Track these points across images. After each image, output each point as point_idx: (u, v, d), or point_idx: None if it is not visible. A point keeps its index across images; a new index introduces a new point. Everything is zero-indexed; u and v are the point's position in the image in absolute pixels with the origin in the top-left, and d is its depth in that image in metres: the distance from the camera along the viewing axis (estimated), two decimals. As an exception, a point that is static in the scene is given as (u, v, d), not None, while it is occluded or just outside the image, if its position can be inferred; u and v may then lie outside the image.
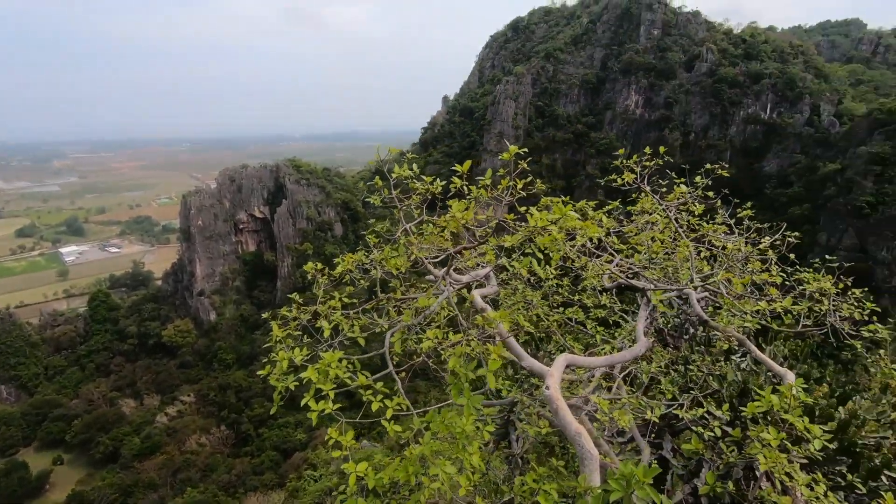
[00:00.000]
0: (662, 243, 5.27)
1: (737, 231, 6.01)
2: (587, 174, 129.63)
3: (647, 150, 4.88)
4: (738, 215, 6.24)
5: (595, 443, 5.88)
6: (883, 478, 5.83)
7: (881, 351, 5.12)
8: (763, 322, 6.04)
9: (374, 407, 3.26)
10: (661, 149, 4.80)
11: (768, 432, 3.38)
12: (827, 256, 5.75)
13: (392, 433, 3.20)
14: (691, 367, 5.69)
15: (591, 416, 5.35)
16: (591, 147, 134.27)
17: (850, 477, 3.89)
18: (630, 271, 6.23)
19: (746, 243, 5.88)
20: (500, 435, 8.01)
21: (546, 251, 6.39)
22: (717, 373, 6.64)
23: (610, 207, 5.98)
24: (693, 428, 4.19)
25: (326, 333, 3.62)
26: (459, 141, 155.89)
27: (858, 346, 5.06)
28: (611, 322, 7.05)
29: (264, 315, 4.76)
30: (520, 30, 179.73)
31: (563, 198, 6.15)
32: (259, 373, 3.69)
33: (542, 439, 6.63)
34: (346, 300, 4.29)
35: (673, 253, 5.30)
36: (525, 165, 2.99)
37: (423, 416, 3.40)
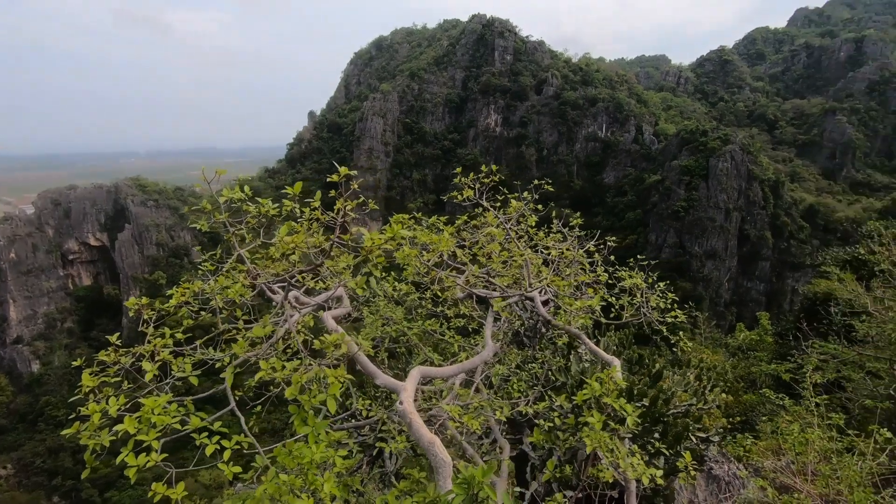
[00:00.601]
0: (501, 253, 5.70)
1: (570, 237, 6.75)
2: (454, 187, 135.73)
3: (484, 168, 5.26)
4: (571, 223, 7.03)
5: (460, 448, 6.10)
6: (692, 437, 6.97)
7: (681, 332, 6.13)
8: (599, 317, 6.88)
9: (209, 450, 2.99)
10: (494, 167, 5.22)
11: (593, 416, 3.83)
12: (640, 256, 6.73)
13: (229, 475, 2.95)
14: (541, 364, 6.24)
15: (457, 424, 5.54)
16: (458, 162, 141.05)
17: (657, 444, 4.55)
18: (483, 280, 6.65)
19: (578, 248, 6.63)
20: (374, 455, 7.90)
21: (403, 266, 6.54)
22: (565, 367, 7.34)
23: (459, 222, 6.34)
24: (537, 421, 4.57)
25: (149, 377, 3.23)
26: (329, 157, 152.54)
27: (664, 331, 6.00)
28: (470, 330, 7.43)
29: (74, 362, 4.10)
30: (383, 48, 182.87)
31: (417, 215, 6.36)
32: (63, 432, 3.15)
33: (421, 452, 6.69)
34: (179, 336, 3.89)
35: (517, 261, 5.76)
36: (356, 186, 3.01)
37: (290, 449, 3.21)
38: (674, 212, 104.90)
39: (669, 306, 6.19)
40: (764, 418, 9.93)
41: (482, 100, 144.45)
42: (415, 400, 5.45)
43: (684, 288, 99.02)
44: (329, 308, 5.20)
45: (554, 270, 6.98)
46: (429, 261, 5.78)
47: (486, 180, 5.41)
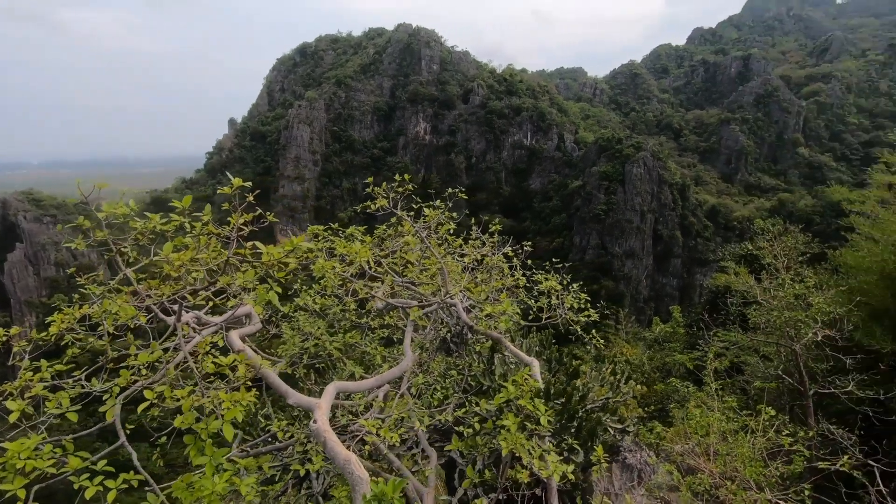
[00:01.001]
0: (422, 261, 5.72)
1: (488, 243, 6.90)
2: (405, 181, 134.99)
3: (397, 177, 5.25)
4: (490, 229, 7.19)
5: (387, 461, 5.99)
6: (609, 429, 7.33)
7: (593, 330, 6.46)
8: (519, 321, 7.08)
9: (89, 493, 2.69)
10: (407, 176, 5.23)
11: (509, 419, 3.91)
12: (555, 260, 7.02)
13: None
14: (460, 371, 6.30)
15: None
16: (389, 171, 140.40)
17: (570, 441, 4.74)
18: (407, 289, 6.61)
19: (497, 253, 6.79)
20: (300, 477, 7.57)
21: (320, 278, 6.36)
22: (489, 370, 7.46)
23: (379, 231, 6.28)
24: (457, 428, 4.59)
25: (14, 417, 2.85)
26: (252, 166, 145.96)
27: (578, 330, 6.30)
28: (395, 340, 7.37)
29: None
30: (308, 55, 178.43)
31: (334, 225, 6.22)
32: None
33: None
34: (60, 367, 3.49)
35: (430, 270, 5.79)
36: (252, 198, 2.86)
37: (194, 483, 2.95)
38: (595, 215, 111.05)
39: (584, 306, 6.49)
40: (673, 406, 10.72)
41: (411, 108, 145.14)
42: (333, 417, 5.28)
43: (608, 286, 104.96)
44: (245, 324, 4.93)
45: (474, 276, 7.11)
46: (348, 272, 5.66)
47: (400, 189, 5.39)
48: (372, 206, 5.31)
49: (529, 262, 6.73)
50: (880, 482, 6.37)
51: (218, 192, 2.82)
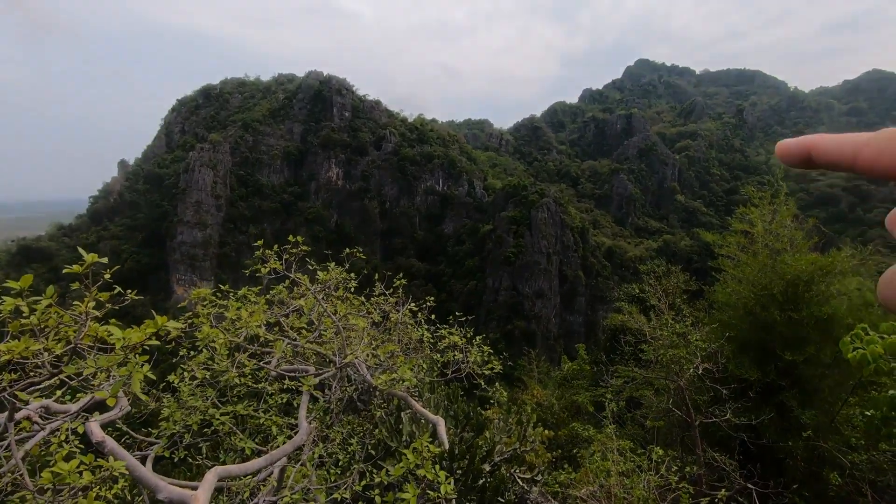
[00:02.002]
0: (323, 321, 5.51)
1: (392, 300, 6.84)
2: (297, 243, 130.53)
3: (291, 238, 5.10)
4: (395, 285, 7.17)
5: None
6: (518, 481, 7.36)
7: (496, 383, 6.57)
8: (424, 377, 7.00)
9: None
10: (300, 238, 5.09)
11: (409, 490, 3.77)
12: (458, 313, 7.13)
13: None
14: (360, 438, 6.04)
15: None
16: (301, 216, 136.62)
17: (473, 505, 4.67)
18: (297, 356, 6.29)
19: (399, 310, 6.75)
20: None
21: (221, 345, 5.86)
22: (396, 428, 7.23)
23: (275, 292, 5.98)
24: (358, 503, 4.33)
25: None
26: (146, 212, 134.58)
27: (482, 383, 6.37)
28: (295, 405, 6.92)
29: None
30: (212, 97, 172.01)
31: (225, 287, 5.82)
32: None
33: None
34: None
35: (327, 333, 5.59)
36: (109, 275, 2.54)
37: None
38: (506, 258, 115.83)
39: (487, 359, 6.59)
40: (578, 450, 11.13)
41: (323, 153, 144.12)
42: (217, 505, 4.75)
43: (520, 326, 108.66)
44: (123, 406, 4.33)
45: (382, 331, 6.98)
46: (241, 335, 5.28)
47: (294, 251, 5.22)
48: (263, 270, 5.06)
49: (433, 316, 6.76)
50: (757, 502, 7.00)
51: (64, 271, 2.49)
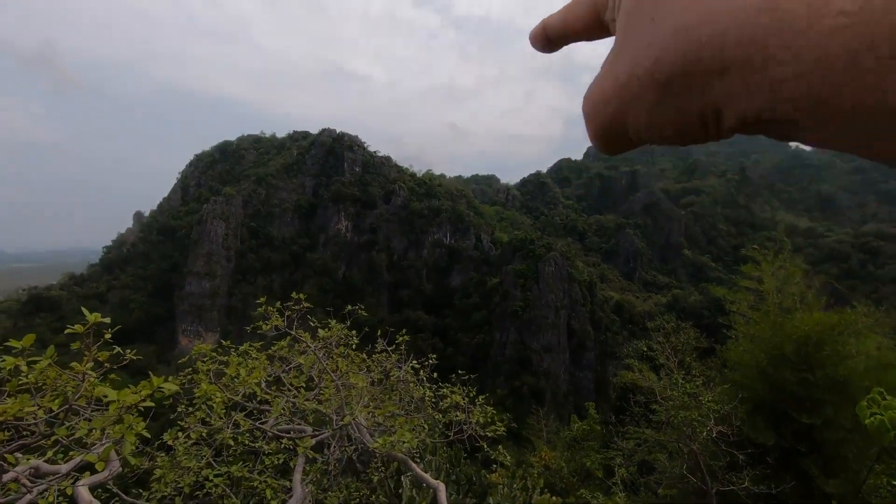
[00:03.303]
0: (323, 378, 5.45)
1: (395, 358, 6.78)
2: (306, 294, 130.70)
3: (294, 294, 5.15)
4: (397, 341, 7.12)
5: None
6: (524, 555, 6.93)
7: (499, 446, 6.35)
8: (426, 438, 6.79)
9: None
10: (303, 295, 5.15)
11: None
12: (461, 371, 7.03)
13: None
14: (366, 498, 5.80)
15: None
16: (309, 267, 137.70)
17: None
18: (302, 411, 6.17)
19: (401, 367, 6.66)
20: None
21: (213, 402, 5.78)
22: (396, 492, 6.94)
23: (277, 348, 5.96)
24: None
25: None
26: (157, 262, 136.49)
27: (485, 446, 6.16)
28: (293, 467, 6.69)
29: None
30: (229, 153, 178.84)
31: (226, 342, 5.83)
32: None
33: None
34: None
35: (327, 392, 5.52)
36: (109, 335, 2.58)
37: None
38: (513, 311, 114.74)
39: (490, 419, 6.42)
40: (588, 518, 10.53)
41: (333, 207, 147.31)
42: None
43: (529, 382, 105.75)
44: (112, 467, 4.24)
45: (383, 389, 6.86)
46: (239, 393, 5.22)
47: (296, 308, 5.26)
48: (264, 326, 5.08)
49: (435, 374, 6.66)
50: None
51: (66, 331, 2.53)
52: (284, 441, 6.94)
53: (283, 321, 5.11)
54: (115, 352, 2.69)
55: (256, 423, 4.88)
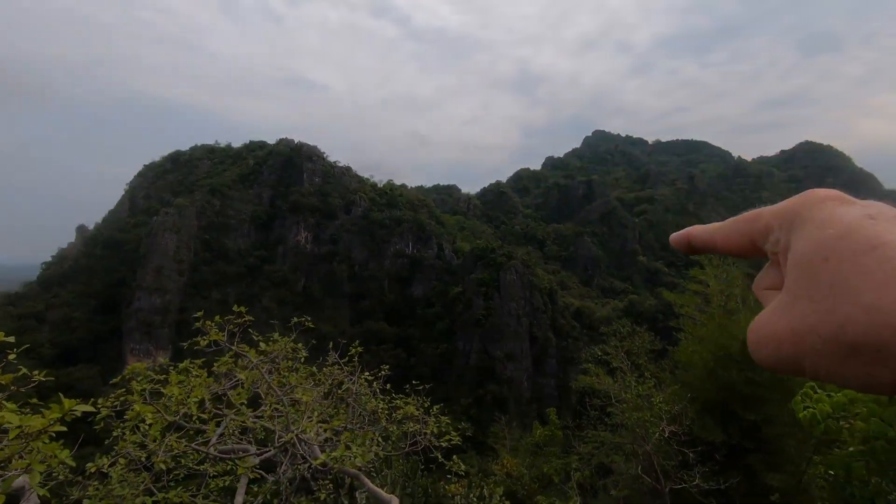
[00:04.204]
0: (267, 397, 5.24)
1: (346, 368, 6.61)
2: (263, 307, 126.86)
3: (236, 307, 4.94)
4: (350, 353, 6.96)
5: None
6: (481, 566, 6.86)
7: (454, 456, 6.30)
8: (379, 451, 6.64)
9: None
10: (243, 308, 4.95)
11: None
12: (415, 382, 6.93)
13: None
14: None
15: None
16: (267, 280, 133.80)
17: None
18: (253, 429, 5.91)
19: (353, 379, 6.51)
20: None
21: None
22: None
23: (221, 362, 5.68)
24: None
25: None
26: (102, 277, 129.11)
27: (439, 457, 6.08)
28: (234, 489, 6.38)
29: None
30: (181, 163, 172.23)
31: (164, 360, 5.51)
32: None
33: None
34: None
35: (267, 410, 5.31)
36: (14, 356, 2.37)
37: None
38: (476, 320, 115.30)
39: (445, 429, 6.34)
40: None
41: (291, 217, 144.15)
42: None
43: (492, 390, 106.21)
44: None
45: (334, 403, 6.67)
46: (179, 413, 4.92)
47: (237, 322, 5.05)
48: (201, 342, 4.84)
49: (389, 386, 6.54)
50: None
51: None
52: (230, 463, 6.62)
53: (224, 336, 4.88)
54: (20, 373, 2.46)
55: (193, 445, 4.61)
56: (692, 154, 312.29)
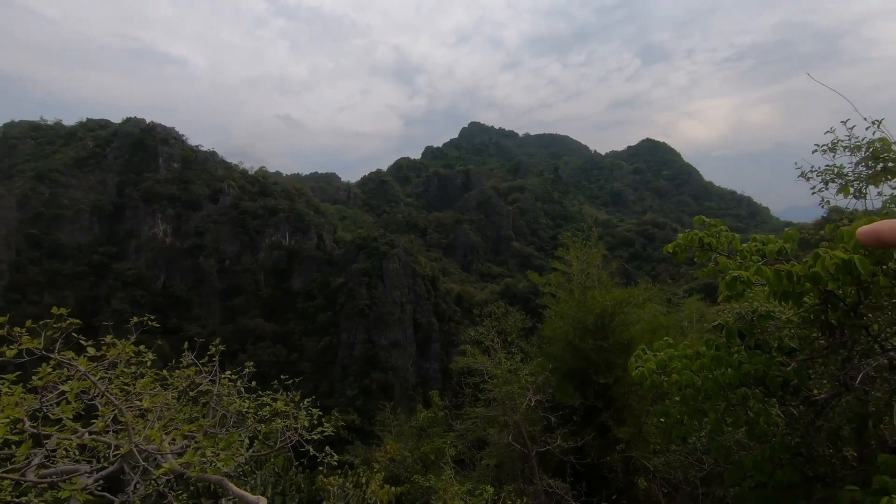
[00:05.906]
0: (103, 409, 4.63)
1: (205, 370, 6.12)
2: (114, 310, 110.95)
3: (55, 310, 4.27)
4: (209, 353, 6.42)
5: None
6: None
7: (326, 447, 6.21)
8: (243, 453, 6.28)
9: None
10: (65, 310, 4.30)
11: None
12: (284, 376, 6.66)
13: None
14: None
15: None
16: (116, 279, 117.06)
17: None
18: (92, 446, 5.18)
19: (215, 381, 6.05)
20: None
21: None
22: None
23: (41, 374, 4.86)
24: None
25: None
26: None
27: (310, 449, 5.95)
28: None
29: None
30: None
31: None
32: None
33: None
34: None
35: (104, 419, 4.72)
36: None
37: None
38: (360, 310, 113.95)
39: (317, 422, 6.20)
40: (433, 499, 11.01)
41: (145, 208, 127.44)
42: None
43: (378, 379, 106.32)
44: None
45: (193, 407, 6.13)
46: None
47: (57, 325, 4.37)
48: (9, 353, 4.11)
49: (254, 384, 6.19)
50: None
51: None
52: (64, 491, 5.75)
53: (40, 342, 4.18)
54: None
55: (0, 473, 3.91)
56: (556, 147, 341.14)
